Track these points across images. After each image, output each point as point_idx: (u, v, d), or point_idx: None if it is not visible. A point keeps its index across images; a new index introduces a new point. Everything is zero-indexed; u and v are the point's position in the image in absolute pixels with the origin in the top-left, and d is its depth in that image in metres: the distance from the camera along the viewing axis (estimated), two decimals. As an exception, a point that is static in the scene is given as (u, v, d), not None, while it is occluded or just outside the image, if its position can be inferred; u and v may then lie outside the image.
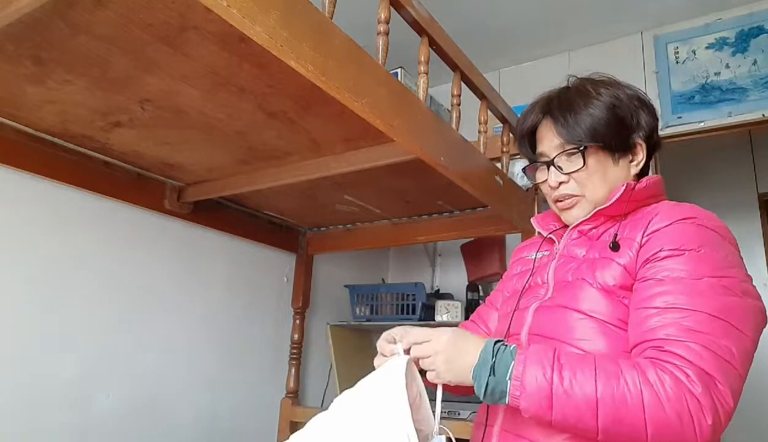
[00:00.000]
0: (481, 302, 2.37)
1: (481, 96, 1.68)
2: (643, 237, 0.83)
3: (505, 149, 1.84)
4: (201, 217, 1.92)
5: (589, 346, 0.81)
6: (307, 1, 0.97)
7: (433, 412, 0.83)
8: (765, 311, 0.80)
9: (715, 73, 2.39)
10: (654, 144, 0.97)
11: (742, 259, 0.82)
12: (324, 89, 1.00)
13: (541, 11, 2.48)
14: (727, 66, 2.37)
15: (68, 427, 1.51)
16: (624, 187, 0.89)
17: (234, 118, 1.32)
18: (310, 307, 2.33)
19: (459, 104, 1.53)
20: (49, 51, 1.05)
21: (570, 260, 0.93)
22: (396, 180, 1.66)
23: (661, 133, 2.40)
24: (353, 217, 2.17)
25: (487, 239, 2.55)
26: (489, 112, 1.73)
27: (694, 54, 2.45)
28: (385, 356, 0.87)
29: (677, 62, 2.48)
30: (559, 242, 0.99)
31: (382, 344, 0.89)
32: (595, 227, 0.94)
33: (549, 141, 0.96)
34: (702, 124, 2.37)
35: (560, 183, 0.95)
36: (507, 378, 0.74)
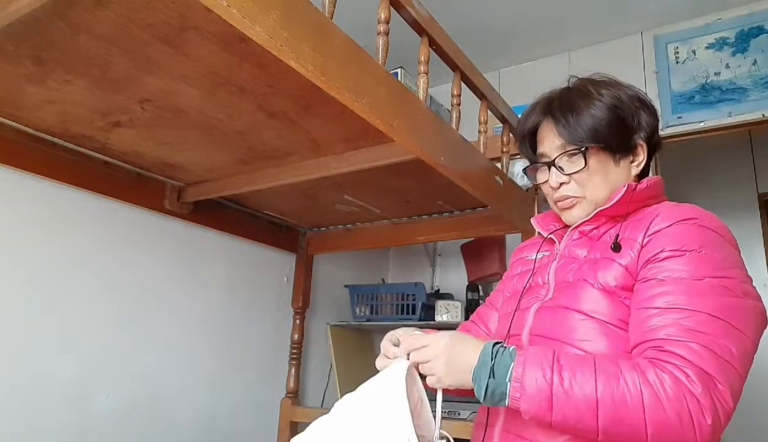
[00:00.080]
0: (481, 302, 2.37)
1: (481, 96, 1.68)
2: (644, 238, 0.84)
3: (505, 149, 1.84)
4: (201, 217, 1.92)
5: (590, 346, 0.81)
6: (307, 1, 0.97)
7: (434, 417, 0.82)
8: (765, 311, 0.80)
9: (715, 73, 2.39)
10: (654, 145, 0.97)
11: (742, 260, 0.83)
12: (324, 89, 1.00)
13: (541, 11, 2.48)
14: (727, 66, 2.37)
15: (68, 427, 1.51)
16: (625, 189, 0.89)
17: (234, 118, 1.32)
18: (310, 307, 2.33)
19: (459, 104, 1.53)
20: (49, 51, 1.05)
21: (571, 261, 0.93)
22: (396, 180, 1.66)
23: (661, 133, 2.40)
24: (353, 217, 2.17)
25: (487, 239, 2.55)
26: (489, 112, 1.73)
27: (694, 54, 2.45)
28: (388, 357, 0.86)
29: (677, 62, 2.48)
30: (559, 243, 0.99)
31: (385, 344, 0.89)
32: (595, 228, 0.94)
33: (550, 142, 0.96)
34: (702, 124, 2.37)
35: (561, 184, 0.94)
36: (507, 380, 0.74)
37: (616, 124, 0.92)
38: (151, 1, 0.88)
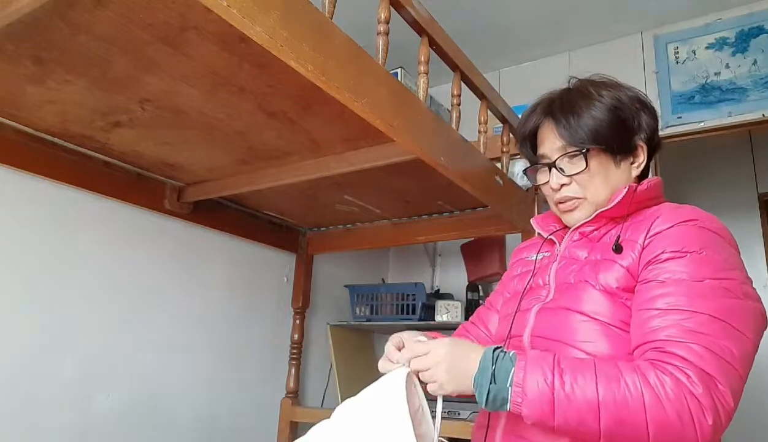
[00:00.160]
0: (481, 302, 2.37)
1: (481, 96, 1.68)
2: (645, 239, 0.84)
3: (505, 149, 1.84)
4: (201, 217, 1.92)
5: (592, 348, 0.81)
6: (307, 1, 0.97)
7: (434, 421, 0.82)
8: (765, 313, 0.81)
9: (715, 73, 2.39)
10: (654, 146, 0.97)
11: (742, 261, 0.83)
12: (324, 89, 1.00)
13: (541, 11, 2.48)
14: (727, 66, 2.37)
15: (68, 427, 1.51)
16: (626, 190, 0.89)
17: (234, 118, 1.32)
18: (310, 307, 2.33)
19: (459, 104, 1.53)
20: (49, 51, 1.05)
21: (572, 262, 0.93)
22: (396, 180, 1.66)
23: (661, 133, 2.39)
24: (353, 217, 2.17)
25: (487, 239, 2.55)
26: (489, 112, 1.73)
27: (694, 54, 2.45)
28: (391, 361, 0.86)
29: (677, 62, 2.48)
30: (559, 244, 0.99)
31: (389, 348, 0.89)
32: (596, 229, 0.94)
33: (551, 143, 0.95)
34: (702, 124, 2.37)
35: (562, 185, 0.94)
36: (508, 385, 0.74)
37: (617, 125, 0.91)
38: (151, 1, 0.88)
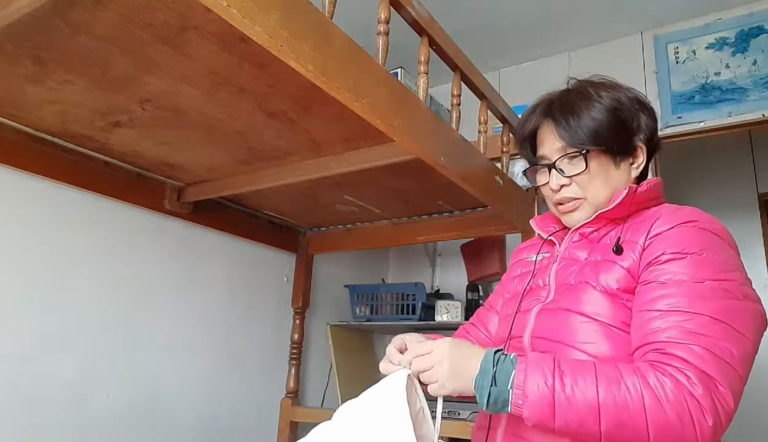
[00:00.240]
0: (481, 302, 2.37)
1: (481, 96, 1.68)
2: (645, 240, 0.84)
3: (505, 149, 1.84)
4: (201, 217, 1.92)
5: (592, 349, 0.81)
6: (307, 1, 0.97)
7: (434, 424, 0.82)
8: (765, 314, 0.81)
9: (715, 73, 2.38)
10: (654, 146, 0.97)
11: (742, 262, 0.83)
12: (324, 89, 1.00)
13: (541, 11, 2.48)
14: (727, 66, 2.37)
15: (68, 427, 1.51)
16: (626, 191, 0.89)
17: (234, 118, 1.32)
18: (310, 307, 2.33)
19: (459, 104, 1.53)
20: (49, 51, 1.05)
21: (572, 263, 0.92)
22: (396, 180, 1.66)
23: (661, 133, 2.41)
24: (353, 218, 2.17)
25: (487, 239, 2.55)
26: (489, 112, 1.73)
27: (694, 54, 2.45)
28: (393, 363, 0.86)
29: (677, 62, 2.47)
30: (559, 245, 0.99)
31: (391, 350, 0.89)
32: (596, 230, 0.93)
33: (550, 144, 0.95)
34: (702, 124, 2.37)
35: (562, 186, 0.94)
36: (509, 387, 0.74)
37: (617, 126, 0.91)
38: (151, 1, 0.88)
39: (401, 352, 0.87)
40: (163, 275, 1.81)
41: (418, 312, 2.29)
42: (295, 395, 2.20)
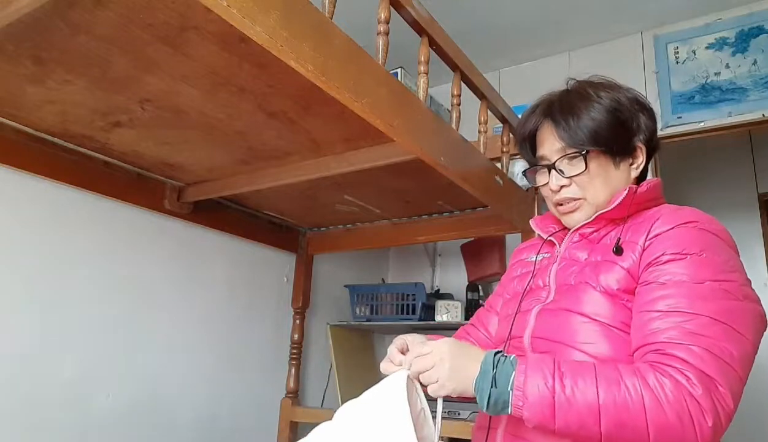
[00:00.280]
0: (481, 302, 2.37)
1: (481, 96, 1.68)
2: (645, 241, 0.84)
3: (505, 149, 1.84)
4: (201, 217, 1.92)
5: (593, 349, 0.81)
6: (307, 1, 0.97)
7: (434, 422, 0.83)
8: (764, 314, 0.81)
9: (715, 73, 2.38)
10: (653, 147, 0.97)
11: (741, 263, 0.83)
12: (324, 89, 1.00)
13: (541, 11, 2.48)
14: (727, 66, 2.37)
15: (68, 427, 1.51)
16: (626, 192, 0.89)
17: (234, 118, 1.32)
18: (310, 307, 2.33)
19: (459, 104, 1.53)
20: (49, 51, 1.05)
21: (572, 263, 0.92)
22: (396, 180, 1.66)
23: (661, 133, 2.41)
24: (353, 218, 2.17)
25: (487, 239, 2.55)
26: (489, 112, 1.73)
27: (694, 54, 2.45)
28: (394, 363, 0.87)
29: (677, 62, 2.47)
30: (559, 245, 0.99)
31: (392, 350, 0.89)
32: (596, 231, 0.93)
33: (550, 144, 0.95)
34: (702, 124, 2.37)
35: (561, 186, 0.94)
36: (509, 389, 0.74)
37: (616, 127, 0.91)
38: (151, 1, 0.88)
39: (402, 352, 0.88)
40: (163, 275, 1.81)
41: (418, 312, 2.29)
42: (295, 395, 2.20)
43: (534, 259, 1.02)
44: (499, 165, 1.77)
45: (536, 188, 1.03)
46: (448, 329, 2.28)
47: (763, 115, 2.26)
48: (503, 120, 1.84)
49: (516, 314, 0.94)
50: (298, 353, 2.24)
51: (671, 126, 2.41)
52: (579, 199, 0.94)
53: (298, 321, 2.26)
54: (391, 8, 1.23)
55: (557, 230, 1.01)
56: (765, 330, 0.81)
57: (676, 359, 0.72)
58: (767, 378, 2.44)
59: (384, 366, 0.88)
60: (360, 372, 2.47)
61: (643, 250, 0.83)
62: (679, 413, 0.69)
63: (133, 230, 1.73)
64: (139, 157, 1.61)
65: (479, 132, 1.70)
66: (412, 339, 0.89)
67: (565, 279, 0.91)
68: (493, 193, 1.65)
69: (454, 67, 1.51)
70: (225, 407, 2.00)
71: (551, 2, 2.42)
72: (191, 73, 1.11)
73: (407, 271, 2.96)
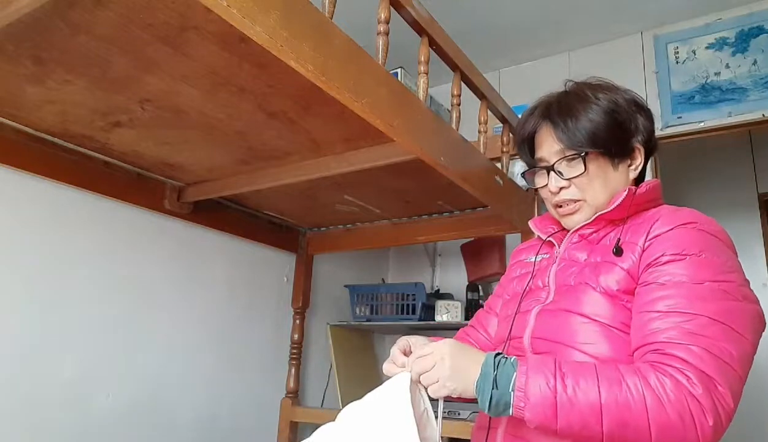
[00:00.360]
0: (481, 302, 2.37)
1: (481, 96, 1.68)
2: (645, 242, 0.84)
3: (505, 149, 1.84)
4: (201, 217, 1.92)
5: (593, 350, 0.81)
6: (307, 1, 0.97)
7: (435, 422, 0.83)
8: (763, 314, 0.81)
9: (715, 73, 2.38)
10: (651, 148, 0.98)
11: (740, 263, 0.83)
12: (324, 89, 1.00)
13: (541, 11, 2.48)
14: (727, 66, 2.37)
15: (68, 427, 1.51)
16: (626, 193, 0.89)
17: (234, 118, 1.32)
18: (310, 307, 2.33)
19: (459, 104, 1.53)
20: (49, 51, 1.05)
21: (571, 264, 0.93)
22: (396, 180, 1.66)
23: (661, 133, 2.41)
24: (353, 218, 2.17)
25: (487, 239, 2.55)
26: (489, 112, 1.73)
27: (694, 54, 2.45)
28: (396, 364, 0.87)
29: (677, 62, 2.47)
30: (559, 246, 0.99)
31: (395, 352, 0.89)
32: (595, 231, 0.94)
33: (549, 146, 0.95)
34: (702, 124, 2.37)
35: (561, 188, 0.94)
36: (510, 390, 0.74)
37: (614, 128, 0.92)
38: (151, 1, 0.89)
39: (405, 354, 0.88)
40: (163, 275, 1.81)
41: (418, 312, 2.29)
42: (295, 395, 2.20)
43: (533, 260, 1.02)
44: (499, 165, 1.77)
45: (535, 190, 1.03)
46: (448, 329, 2.28)
47: (763, 115, 2.26)
48: (503, 120, 1.84)
49: (515, 314, 0.95)
50: (298, 353, 2.24)
51: (671, 126, 2.41)
52: (579, 200, 0.94)
53: (298, 321, 2.26)
54: (391, 8, 1.23)
55: (556, 230, 1.01)
56: (764, 330, 0.81)
57: (675, 358, 0.72)
58: (767, 378, 2.44)
59: (387, 367, 0.88)
60: (360, 372, 2.47)
61: (643, 251, 0.84)
62: (681, 413, 0.69)
63: (133, 230, 1.73)
64: (139, 157, 1.61)
65: (479, 132, 1.70)
66: (414, 341, 0.90)
67: (564, 280, 0.91)
68: (493, 193, 1.65)
69: (454, 67, 1.51)
70: (225, 407, 2.00)
71: (551, 2, 2.42)
72: (191, 73, 1.11)
73: (407, 271, 2.96)
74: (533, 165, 1.00)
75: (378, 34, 1.20)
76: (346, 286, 2.52)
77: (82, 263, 1.59)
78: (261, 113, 1.28)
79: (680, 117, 2.41)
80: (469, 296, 2.45)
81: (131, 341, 1.69)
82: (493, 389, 0.75)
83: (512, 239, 2.42)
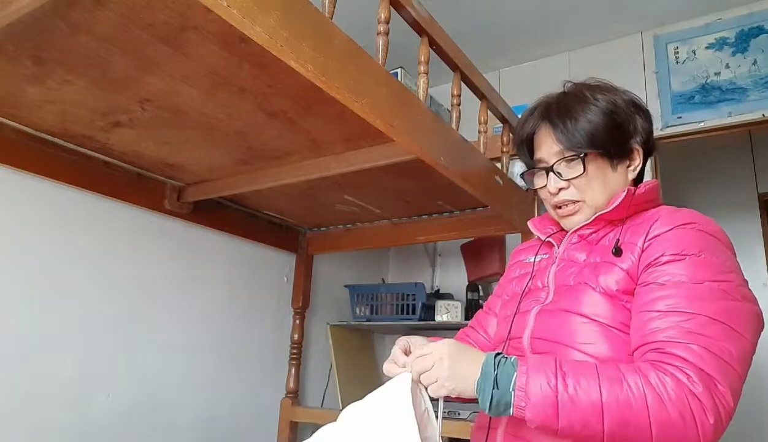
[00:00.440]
0: (481, 302, 2.37)
1: (481, 96, 1.68)
2: (644, 242, 0.84)
3: (505, 149, 1.84)
4: (201, 217, 1.92)
5: (592, 350, 0.82)
6: (307, 1, 0.97)
7: (435, 422, 0.83)
8: (762, 314, 0.81)
9: (715, 73, 2.38)
10: (650, 148, 0.98)
11: (738, 263, 0.84)
12: (324, 89, 1.00)
13: (541, 11, 2.48)
14: (727, 66, 2.37)
15: (68, 427, 1.51)
16: (625, 193, 0.90)
17: (234, 118, 1.32)
18: (310, 307, 2.33)
19: (459, 104, 1.53)
20: (49, 51, 1.05)
21: (571, 264, 0.93)
22: (396, 180, 1.66)
23: (661, 133, 2.41)
24: (353, 218, 2.17)
25: (487, 239, 2.55)
26: (489, 112, 1.73)
27: (694, 54, 2.45)
28: (397, 364, 0.87)
29: (677, 62, 2.47)
30: (558, 246, 0.99)
31: (395, 352, 0.89)
32: (595, 232, 0.94)
33: (548, 147, 0.96)
34: (702, 124, 2.37)
35: (560, 189, 0.95)
36: (511, 389, 0.74)
37: (613, 129, 0.92)
38: (151, 1, 0.89)
39: (406, 353, 0.88)
40: (163, 275, 1.81)
41: (418, 312, 2.29)
42: (295, 395, 2.20)
43: (532, 260, 1.02)
44: (499, 165, 1.77)
45: (535, 190, 1.03)
46: (448, 329, 2.28)
47: (763, 115, 2.26)
48: (503, 120, 1.84)
49: (515, 314, 0.95)
50: (298, 353, 2.24)
51: (671, 126, 2.41)
52: (578, 201, 0.94)
53: (298, 321, 2.26)
54: (391, 8, 1.23)
55: (555, 231, 1.01)
56: (762, 329, 0.82)
57: (675, 357, 0.73)
58: (767, 378, 2.44)
59: (387, 367, 0.88)
60: (360, 372, 2.47)
61: (642, 251, 0.84)
62: (681, 411, 0.69)
63: (133, 230, 1.73)
64: (139, 157, 1.61)
65: (479, 132, 1.70)
66: (415, 341, 0.90)
67: (564, 280, 0.91)
68: (493, 193, 1.65)
69: (454, 67, 1.51)
70: (225, 407, 2.00)
71: (551, 2, 2.42)
72: (191, 73, 1.11)
73: (407, 271, 2.96)
74: (532, 166, 1.00)
75: (378, 34, 1.20)
76: (346, 286, 2.52)
77: (82, 263, 1.59)
78: (261, 113, 1.28)
79: (680, 117, 2.41)
80: (469, 296, 2.45)
81: (131, 341, 1.69)
82: (493, 388, 0.75)
83: (512, 239, 2.42)
